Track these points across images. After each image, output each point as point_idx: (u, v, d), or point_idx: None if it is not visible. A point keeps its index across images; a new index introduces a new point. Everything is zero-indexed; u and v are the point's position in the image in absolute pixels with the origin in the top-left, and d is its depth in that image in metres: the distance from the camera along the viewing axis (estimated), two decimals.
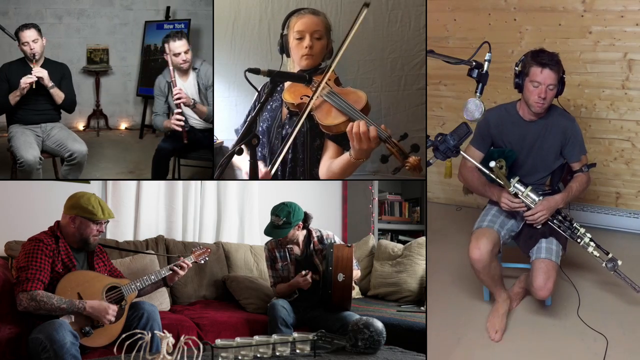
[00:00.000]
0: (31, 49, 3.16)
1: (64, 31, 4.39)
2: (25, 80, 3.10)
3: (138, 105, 4.62)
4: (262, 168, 2.39)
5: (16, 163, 3.17)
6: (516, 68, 2.63)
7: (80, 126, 4.51)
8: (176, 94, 3.22)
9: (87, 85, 4.50)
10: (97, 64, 4.49)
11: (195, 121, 3.40)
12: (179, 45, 3.24)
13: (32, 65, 3.18)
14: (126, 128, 4.65)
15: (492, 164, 2.50)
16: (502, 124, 2.73)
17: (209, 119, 3.29)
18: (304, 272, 2.95)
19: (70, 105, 3.36)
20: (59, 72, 3.30)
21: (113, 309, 2.36)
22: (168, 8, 4.40)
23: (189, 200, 3.77)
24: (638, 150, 3.56)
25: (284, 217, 2.92)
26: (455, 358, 2.73)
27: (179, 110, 3.24)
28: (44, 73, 3.16)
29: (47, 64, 3.26)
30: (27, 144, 3.16)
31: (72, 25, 4.41)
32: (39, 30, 3.19)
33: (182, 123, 3.24)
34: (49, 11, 4.34)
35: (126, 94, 4.63)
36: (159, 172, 3.45)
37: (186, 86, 3.33)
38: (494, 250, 2.65)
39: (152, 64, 4.41)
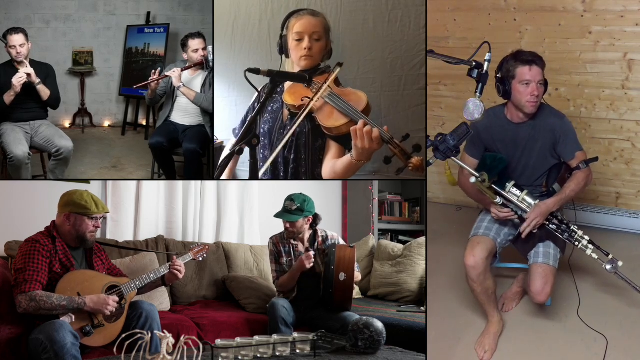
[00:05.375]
0: (17, 52, 3.31)
1: (51, 35, 4.62)
2: (18, 80, 3.23)
3: (120, 104, 4.87)
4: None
5: (7, 158, 3.30)
6: (498, 75, 2.58)
7: (67, 124, 4.73)
8: (173, 70, 3.48)
9: (73, 86, 4.73)
10: (82, 65, 4.72)
11: (182, 118, 3.56)
12: (197, 43, 3.49)
13: (18, 67, 3.32)
14: (109, 125, 4.88)
15: (473, 179, 2.48)
16: (491, 128, 2.70)
17: (198, 102, 3.47)
18: (305, 252, 2.97)
19: (55, 101, 3.52)
20: (44, 72, 3.45)
21: (113, 299, 2.37)
22: (148, 13, 4.68)
23: (189, 200, 3.77)
24: (638, 150, 3.56)
25: (298, 203, 2.98)
26: (455, 358, 2.73)
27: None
28: (31, 70, 3.30)
29: (33, 65, 3.40)
30: (17, 140, 3.30)
31: (59, 30, 4.64)
32: (26, 35, 3.34)
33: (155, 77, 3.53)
34: (37, 16, 4.56)
35: (109, 93, 4.87)
36: (165, 169, 3.64)
37: (192, 78, 3.56)
38: (489, 258, 2.64)
39: (134, 65, 4.67)
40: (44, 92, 3.38)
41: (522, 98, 2.54)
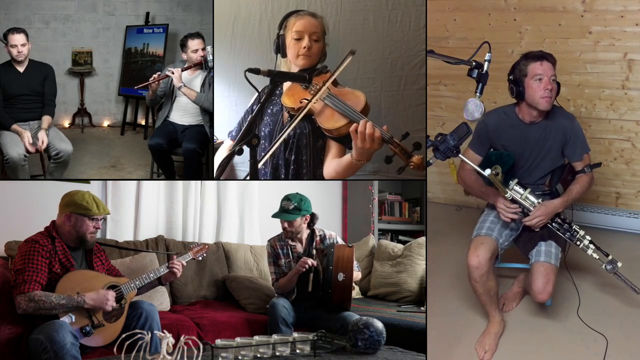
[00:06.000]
0: (19, 52, 3.35)
1: (51, 35, 4.66)
2: (31, 147, 3.26)
3: (119, 104, 4.92)
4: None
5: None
6: (510, 77, 2.60)
7: (66, 123, 4.77)
8: (173, 71, 3.48)
9: (72, 86, 4.78)
10: (82, 65, 4.77)
11: (182, 118, 3.58)
12: (197, 43, 3.51)
13: (17, 68, 3.38)
14: (108, 125, 4.93)
15: (488, 171, 2.48)
16: (500, 127, 2.71)
17: (199, 102, 3.48)
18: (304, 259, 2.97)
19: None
20: (43, 72, 3.49)
21: (112, 294, 2.37)
22: (147, 14, 4.72)
23: (189, 200, 3.77)
24: (638, 150, 3.56)
25: (295, 203, 2.97)
26: (455, 358, 2.73)
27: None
28: (43, 140, 3.29)
29: (32, 65, 3.44)
30: (14, 141, 3.30)
31: (59, 30, 4.68)
32: (27, 35, 3.37)
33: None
34: (36, 16, 4.60)
35: (108, 93, 4.92)
36: (164, 169, 3.65)
37: (191, 78, 3.56)
38: (492, 259, 2.63)
39: (133, 65, 4.71)
40: (47, 122, 3.41)
41: (536, 94, 2.55)
